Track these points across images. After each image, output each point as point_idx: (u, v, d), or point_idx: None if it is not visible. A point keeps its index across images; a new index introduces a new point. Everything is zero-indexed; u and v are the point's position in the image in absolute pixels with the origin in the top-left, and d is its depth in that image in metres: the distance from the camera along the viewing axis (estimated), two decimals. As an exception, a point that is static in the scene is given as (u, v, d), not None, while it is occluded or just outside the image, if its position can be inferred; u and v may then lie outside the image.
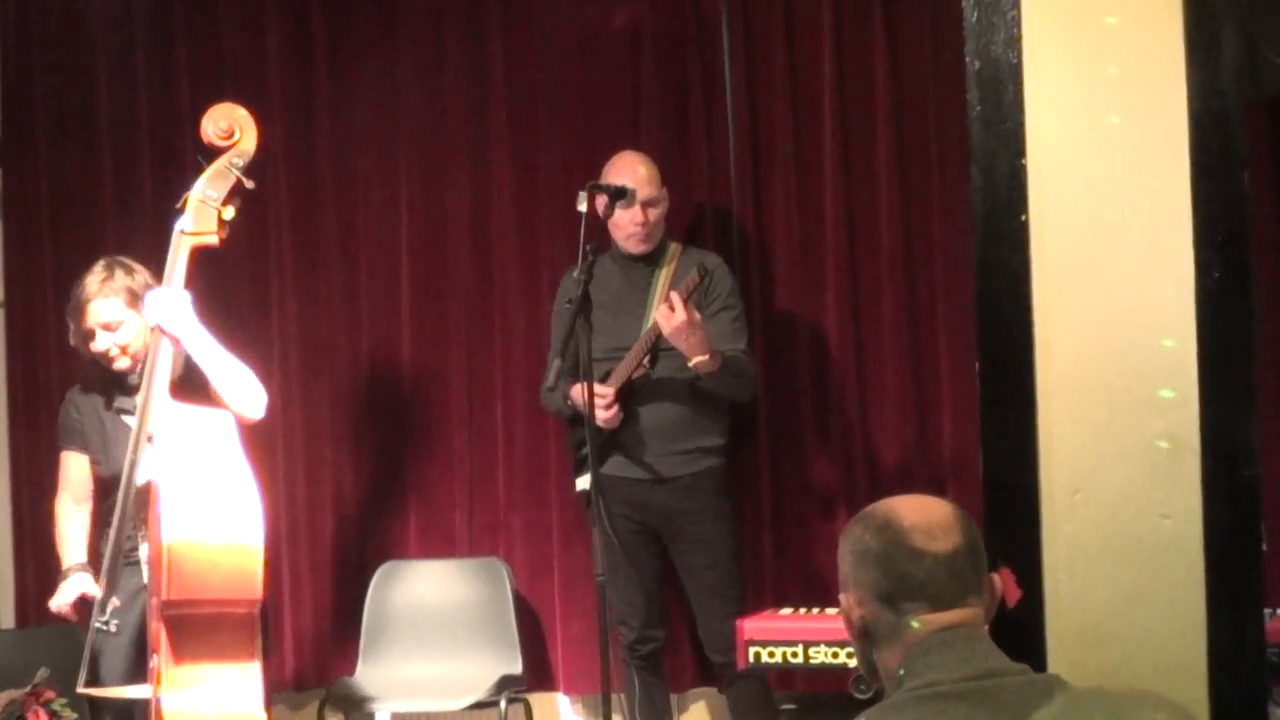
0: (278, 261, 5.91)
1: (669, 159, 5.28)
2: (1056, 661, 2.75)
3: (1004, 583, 2.77)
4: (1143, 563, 2.76)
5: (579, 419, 4.91)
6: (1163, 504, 2.75)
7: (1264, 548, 2.77)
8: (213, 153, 4.66)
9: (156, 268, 4.76)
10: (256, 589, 4.34)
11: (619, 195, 4.79)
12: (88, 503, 4.83)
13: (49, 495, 5.24)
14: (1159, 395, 2.75)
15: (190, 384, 4.65)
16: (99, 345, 4.71)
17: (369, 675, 5.64)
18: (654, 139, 5.49)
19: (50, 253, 6.07)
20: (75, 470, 4.85)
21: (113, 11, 6.01)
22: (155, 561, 4.34)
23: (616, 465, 5.07)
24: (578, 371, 4.67)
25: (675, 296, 4.79)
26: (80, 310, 4.73)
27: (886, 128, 5.37)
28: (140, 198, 5.99)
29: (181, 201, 4.64)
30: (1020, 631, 2.77)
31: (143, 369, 4.62)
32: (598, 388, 4.91)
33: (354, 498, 5.87)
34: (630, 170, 5.03)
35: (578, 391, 4.75)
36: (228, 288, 5.86)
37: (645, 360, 4.98)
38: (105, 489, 4.76)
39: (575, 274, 4.55)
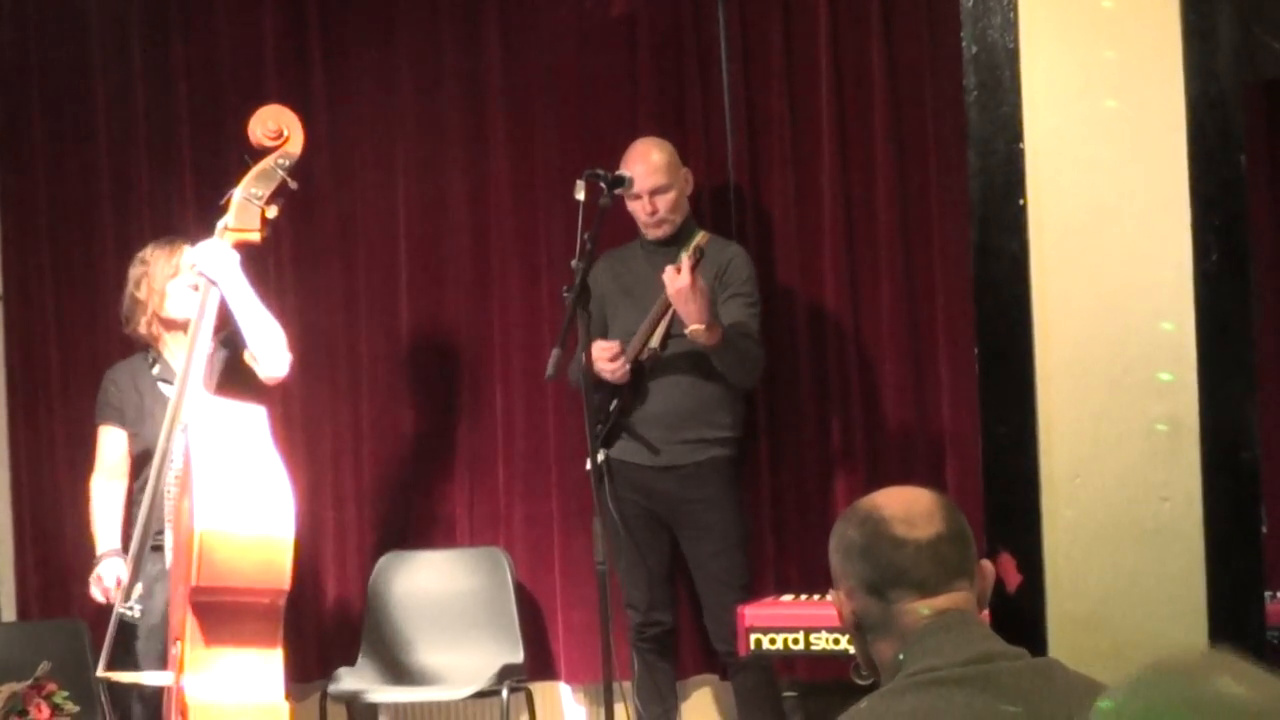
0: (275, 253, 5.90)
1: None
2: (1057, 645, 2.76)
3: (1004, 568, 2.78)
4: (1143, 546, 2.77)
5: (600, 389, 4.97)
6: (1162, 487, 2.75)
7: (1264, 530, 2.77)
8: (259, 152, 4.73)
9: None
10: (285, 580, 4.42)
11: (617, 183, 4.79)
12: (122, 480, 4.88)
13: (50, 488, 5.26)
14: (1158, 379, 2.76)
15: (227, 380, 4.71)
16: (187, 280, 4.75)
17: (370, 665, 5.64)
18: (651, 126, 5.48)
19: (48, 246, 6.08)
20: (111, 446, 4.89)
21: (109, 6, 6.01)
22: (184, 549, 4.37)
23: (624, 450, 5.08)
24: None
25: (685, 259, 4.79)
26: (172, 250, 4.81)
27: (883, 114, 5.37)
28: (137, 191, 5.99)
29: (225, 199, 4.70)
30: (1021, 616, 2.77)
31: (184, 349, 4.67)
32: (603, 343, 4.94)
33: (354, 488, 5.88)
34: (642, 157, 5.03)
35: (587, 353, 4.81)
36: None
37: (657, 338, 4.98)
38: (137, 465, 4.80)
39: (574, 263, 4.55)
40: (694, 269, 4.75)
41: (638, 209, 5.06)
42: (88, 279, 6.04)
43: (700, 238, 5.13)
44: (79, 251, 6.03)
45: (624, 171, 4.94)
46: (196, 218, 5.73)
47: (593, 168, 4.82)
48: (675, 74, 5.58)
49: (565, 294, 4.55)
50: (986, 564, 2.38)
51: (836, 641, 4.30)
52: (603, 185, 4.73)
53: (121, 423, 4.87)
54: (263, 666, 4.43)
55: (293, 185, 4.72)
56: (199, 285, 4.66)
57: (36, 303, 6.09)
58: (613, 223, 4.96)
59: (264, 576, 4.39)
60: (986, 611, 2.50)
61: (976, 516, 2.79)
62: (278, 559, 4.40)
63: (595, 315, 4.89)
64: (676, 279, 4.76)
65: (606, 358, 4.94)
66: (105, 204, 6.03)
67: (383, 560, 5.78)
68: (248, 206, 4.67)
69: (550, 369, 4.55)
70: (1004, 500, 2.84)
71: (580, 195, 4.57)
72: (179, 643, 4.35)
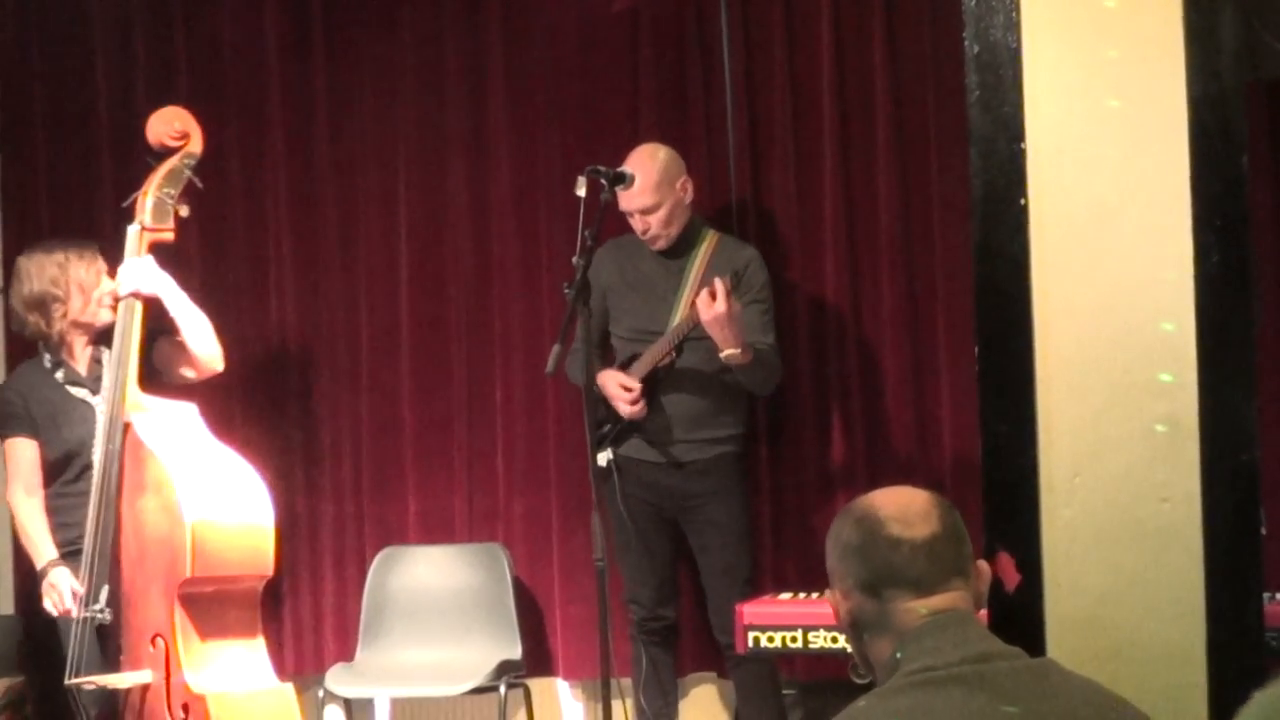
0: (276, 248, 5.90)
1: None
2: (1056, 645, 2.76)
3: (1003, 567, 2.77)
4: (1142, 547, 2.76)
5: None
6: (1162, 488, 2.75)
7: (1263, 531, 2.77)
8: (162, 153, 4.84)
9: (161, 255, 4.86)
10: (269, 565, 4.55)
11: (618, 180, 4.77)
12: (38, 492, 4.84)
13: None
14: (1158, 379, 2.75)
15: (151, 379, 4.75)
16: (107, 288, 4.79)
17: (368, 661, 5.64)
18: (652, 124, 5.48)
19: (48, 239, 6.06)
20: (25, 458, 4.85)
21: (112, 1, 6.00)
22: (159, 545, 4.39)
23: (633, 447, 5.11)
24: (603, 349, 5.07)
25: (720, 285, 4.79)
26: (92, 256, 4.84)
27: (885, 113, 5.37)
28: (138, 185, 5.96)
29: (131, 201, 4.79)
30: (1020, 616, 2.77)
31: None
32: (624, 379, 5.01)
33: (353, 483, 5.88)
34: (637, 165, 5.01)
35: (603, 379, 4.97)
36: (226, 273, 5.87)
37: (671, 349, 5.01)
38: (52, 470, 4.81)
39: (575, 259, 4.54)
40: (729, 294, 4.76)
41: (633, 223, 5.08)
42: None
43: (712, 237, 5.13)
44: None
45: (626, 169, 4.93)
46: (196, 210, 5.73)
47: (594, 164, 4.81)
48: (677, 70, 5.58)
49: (566, 290, 4.54)
50: (983, 564, 2.39)
51: (835, 640, 4.30)
52: (604, 181, 4.71)
53: (33, 433, 4.84)
54: (253, 651, 4.54)
55: (199, 185, 4.84)
56: (120, 302, 4.71)
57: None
58: (614, 219, 4.96)
59: (251, 562, 4.52)
60: (984, 611, 2.50)
61: (976, 516, 2.79)
62: (262, 543, 4.53)
63: (596, 305, 4.90)
64: (712, 306, 4.77)
65: (628, 399, 5.00)
66: (106, 197, 6.01)
67: (381, 555, 5.78)
68: (163, 206, 4.79)
69: (550, 365, 4.54)
70: (1003, 500, 2.84)
71: (581, 191, 4.56)
72: (160, 639, 4.36)
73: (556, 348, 4.52)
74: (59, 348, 4.85)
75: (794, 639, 4.41)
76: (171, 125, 4.84)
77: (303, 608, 5.86)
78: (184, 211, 4.80)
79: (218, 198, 5.67)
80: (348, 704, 5.71)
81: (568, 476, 5.58)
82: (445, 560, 5.77)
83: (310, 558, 5.87)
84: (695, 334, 4.94)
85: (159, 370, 4.85)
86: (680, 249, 5.12)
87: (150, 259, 4.75)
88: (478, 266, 5.79)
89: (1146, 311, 2.77)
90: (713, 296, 4.77)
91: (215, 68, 5.94)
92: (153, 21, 6.00)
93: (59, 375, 4.84)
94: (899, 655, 2.25)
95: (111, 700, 4.55)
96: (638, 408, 5.03)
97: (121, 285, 4.73)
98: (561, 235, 5.47)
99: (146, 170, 4.84)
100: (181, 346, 4.83)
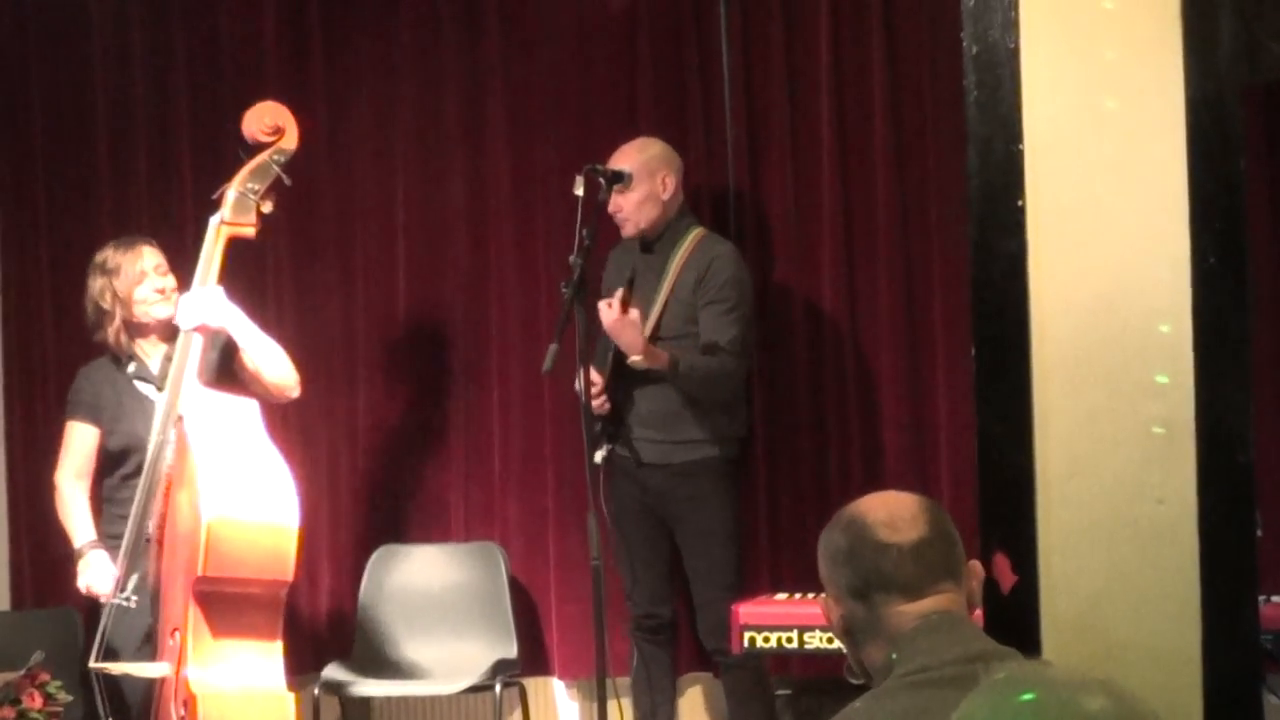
0: (274, 247, 5.89)
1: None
2: (1051, 646, 2.75)
3: (999, 568, 2.77)
4: (1137, 548, 2.76)
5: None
6: (1158, 489, 2.75)
7: (1258, 533, 2.77)
8: (254, 148, 4.79)
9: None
10: (289, 571, 4.50)
11: (616, 179, 4.78)
12: (87, 478, 4.88)
13: (45, 476, 5.21)
14: (1154, 380, 2.75)
15: (217, 372, 4.75)
16: (152, 285, 4.78)
17: (364, 659, 5.64)
18: (651, 123, 5.48)
19: (46, 236, 6.08)
20: (80, 442, 4.89)
21: (110, -2, 6.01)
22: (184, 540, 4.38)
23: (624, 446, 5.10)
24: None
25: (617, 295, 4.83)
26: (135, 254, 4.80)
27: (884, 112, 5.37)
28: (136, 183, 5.99)
29: (219, 194, 4.76)
30: (1015, 616, 2.77)
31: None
32: (592, 374, 4.96)
33: (349, 481, 5.87)
34: (626, 152, 5.03)
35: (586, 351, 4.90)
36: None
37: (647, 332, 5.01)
38: (112, 462, 4.82)
39: (572, 258, 4.55)
40: (625, 303, 4.79)
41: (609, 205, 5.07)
42: (86, 270, 6.02)
43: (695, 235, 5.13)
44: (77, 243, 6.01)
45: (623, 167, 4.93)
46: (195, 209, 5.73)
47: (592, 163, 4.81)
48: (675, 68, 5.58)
49: (563, 289, 4.55)
50: (975, 564, 2.39)
51: (830, 640, 4.30)
52: (601, 181, 4.72)
53: (96, 420, 4.86)
54: (265, 656, 4.49)
55: (287, 182, 4.79)
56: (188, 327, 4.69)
57: (34, 291, 6.08)
58: (611, 219, 4.97)
59: (269, 565, 4.46)
60: (979, 612, 2.50)
61: (971, 516, 2.79)
62: (283, 547, 4.47)
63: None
64: (607, 313, 4.80)
65: (593, 392, 4.97)
66: (104, 195, 6.02)
67: (377, 554, 5.78)
68: (244, 201, 4.73)
69: (547, 364, 4.55)
70: (999, 500, 2.83)
71: (579, 190, 4.57)
72: (177, 633, 4.36)
73: (553, 347, 4.53)
74: (131, 347, 4.85)
75: (789, 639, 4.42)
76: (264, 120, 4.81)
77: (299, 604, 5.84)
78: (267, 208, 4.77)
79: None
80: (343, 702, 5.71)
81: (564, 476, 5.58)
82: (441, 559, 5.77)
83: (307, 555, 5.83)
84: (668, 333, 4.94)
85: (239, 376, 4.83)
86: (665, 248, 5.11)
87: (218, 290, 4.70)
88: (475, 264, 5.79)
89: (1143, 313, 2.77)
90: (609, 305, 4.80)
91: (213, 63, 5.93)
92: (150, 17, 5.99)
93: (130, 369, 4.85)
94: (893, 657, 2.25)
95: (133, 689, 4.57)
96: (599, 402, 5.01)
97: (184, 319, 4.68)
98: (559, 234, 5.47)
99: (237, 164, 4.82)
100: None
